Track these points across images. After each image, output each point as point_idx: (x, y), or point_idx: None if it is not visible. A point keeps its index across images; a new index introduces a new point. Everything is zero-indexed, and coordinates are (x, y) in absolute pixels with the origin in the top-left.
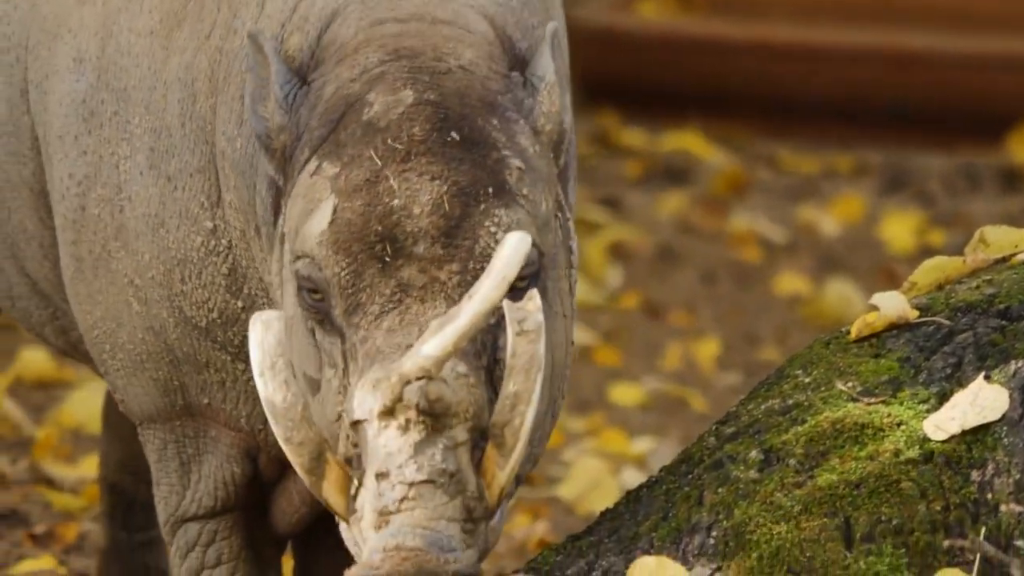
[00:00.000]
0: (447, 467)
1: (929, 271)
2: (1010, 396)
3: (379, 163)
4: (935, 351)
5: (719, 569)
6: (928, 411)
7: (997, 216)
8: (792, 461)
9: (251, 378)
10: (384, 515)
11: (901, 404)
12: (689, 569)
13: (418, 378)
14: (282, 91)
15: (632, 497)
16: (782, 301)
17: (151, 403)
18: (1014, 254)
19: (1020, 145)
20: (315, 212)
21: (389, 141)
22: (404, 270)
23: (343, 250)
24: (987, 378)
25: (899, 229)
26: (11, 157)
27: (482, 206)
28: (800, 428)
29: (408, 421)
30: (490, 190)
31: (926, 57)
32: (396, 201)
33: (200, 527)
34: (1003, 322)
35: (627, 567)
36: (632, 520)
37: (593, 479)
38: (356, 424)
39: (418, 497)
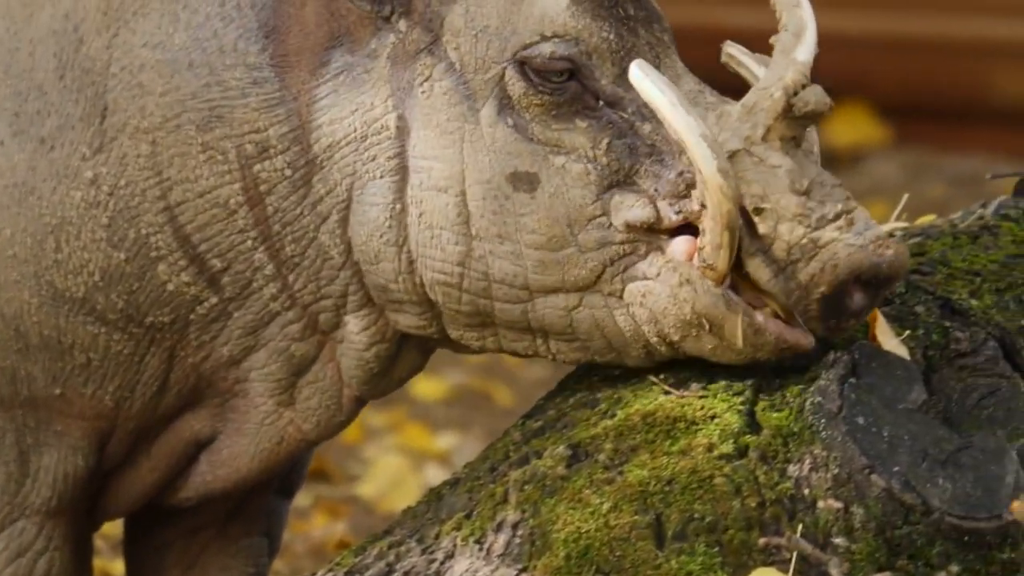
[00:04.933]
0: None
1: None
2: (828, 388)
3: None
4: None
5: (525, 569)
6: (743, 404)
7: None
8: (601, 456)
9: (126, 347)
10: (847, 214)
11: (715, 396)
12: (493, 570)
13: (802, 86)
14: None
15: (435, 495)
16: None
17: None
18: None
19: (835, 126)
20: None
21: None
22: (639, 29)
23: (599, 16)
24: (804, 369)
25: None
26: None
27: None
28: (610, 422)
29: (783, 139)
30: None
31: (735, 35)
32: None
33: (37, 529)
34: None
35: (429, 568)
36: (435, 519)
37: (394, 477)
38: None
39: (851, 197)
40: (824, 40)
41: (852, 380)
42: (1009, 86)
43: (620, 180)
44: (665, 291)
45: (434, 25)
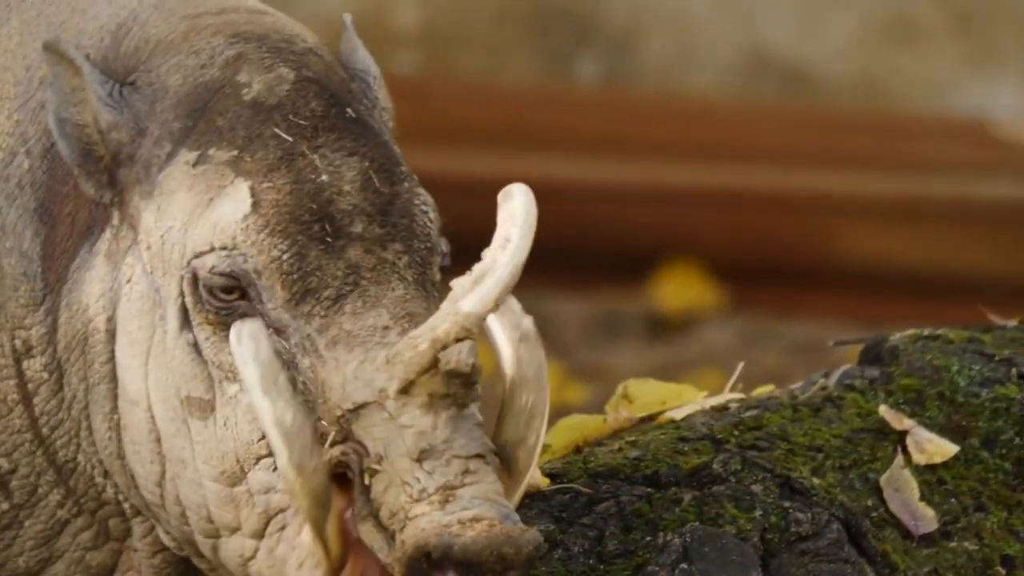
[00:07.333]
0: (489, 444)
1: (565, 431)
2: (658, 575)
3: (289, 139)
4: (573, 523)
5: None
6: None
7: (642, 369)
8: None
9: None
10: (449, 489)
11: None
12: None
13: (458, 339)
14: (104, 88)
15: None
16: None
17: None
18: (661, 412)
19: (664, 289)
20: (218, 200)
21: (291, 117)
22: (349, 250)
23: (279, 232)
24: (631, 553)
25: None
26: None
27: (405, 183)
28: None
29: (432, 396)
30: (403, 169)
31: (558, 188)
32: (323, 177)
33: None
34: (649, 489)
35: None
36: None
37: None
38: (356, 410)
39: (477, 471)
40: (653, 194)
41: (684, 566)
42: (852, 245)
43: None
44: (292, 568)
45: (135, 222)
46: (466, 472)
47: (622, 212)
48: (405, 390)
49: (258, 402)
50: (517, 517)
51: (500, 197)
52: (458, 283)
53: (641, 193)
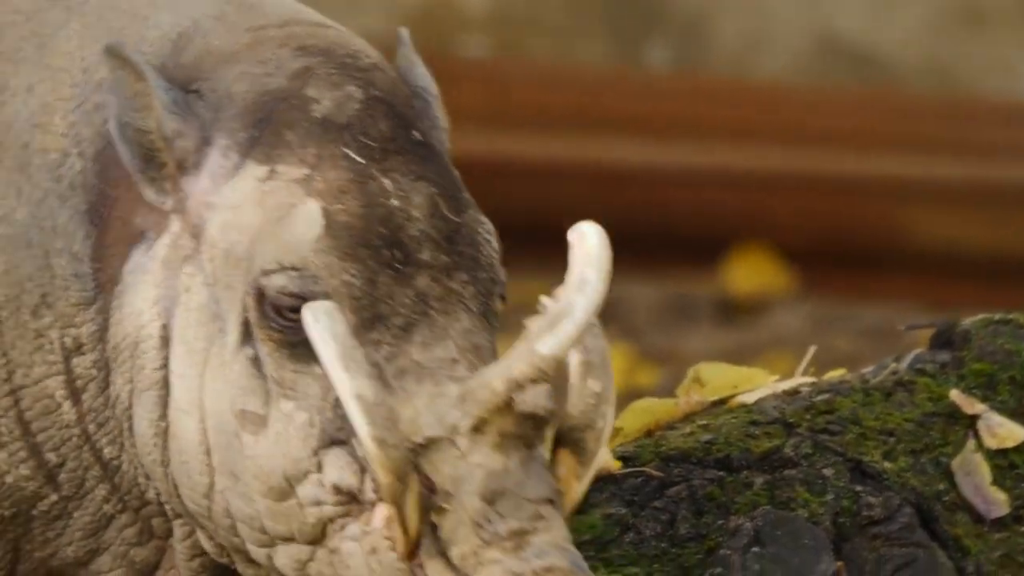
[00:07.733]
0: (556, 487)
1: (637, 414)
2: (730, 559)
3: (362, 161)
4: (644, 506)
5: None
6: (638, 575)
7: (713, 352)
8: None
9: None
10: (521, 535)
11: (607, 567)
12: None
13: (533, 381)
14: (168, 95)
15: None
16: None
17: None
18: (733, 395)
19: (736, 272)
20: (288, 219)
21: (360, 138)
22: (417, 278)
23: (351, 256)
24: (703, 536)
25: None
26: None
27: (469, 211)
28: None
29: (503, 436)
30: (466, 196)
31: (628, 171)
32: (393, 202)
33: None
34: (721, 473)
35: None
36: None
37: None
38: (426, 445)
39: (547, 516)
40: (724, 178)
41: (756, 549)
42: (924, 229)
43: (343, 439)
44: (360, 558)
45: (198, 231)
46: (537, 517)
47: (693, 196)
48: (477, 428)
49: (337, 377)
50: (585, 565)
51: (571, 236)
52: (534, 323)
53: (712, 177)
